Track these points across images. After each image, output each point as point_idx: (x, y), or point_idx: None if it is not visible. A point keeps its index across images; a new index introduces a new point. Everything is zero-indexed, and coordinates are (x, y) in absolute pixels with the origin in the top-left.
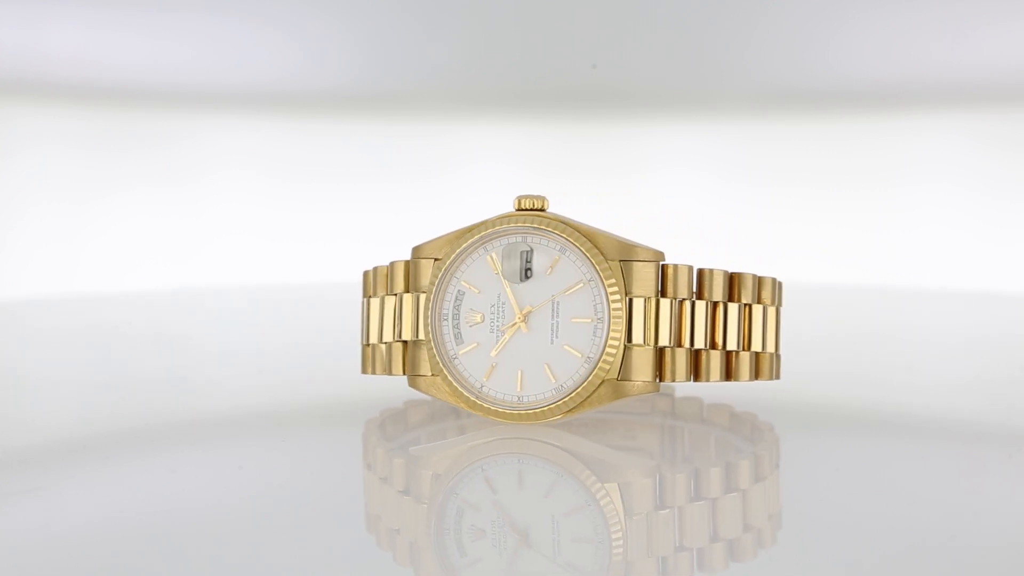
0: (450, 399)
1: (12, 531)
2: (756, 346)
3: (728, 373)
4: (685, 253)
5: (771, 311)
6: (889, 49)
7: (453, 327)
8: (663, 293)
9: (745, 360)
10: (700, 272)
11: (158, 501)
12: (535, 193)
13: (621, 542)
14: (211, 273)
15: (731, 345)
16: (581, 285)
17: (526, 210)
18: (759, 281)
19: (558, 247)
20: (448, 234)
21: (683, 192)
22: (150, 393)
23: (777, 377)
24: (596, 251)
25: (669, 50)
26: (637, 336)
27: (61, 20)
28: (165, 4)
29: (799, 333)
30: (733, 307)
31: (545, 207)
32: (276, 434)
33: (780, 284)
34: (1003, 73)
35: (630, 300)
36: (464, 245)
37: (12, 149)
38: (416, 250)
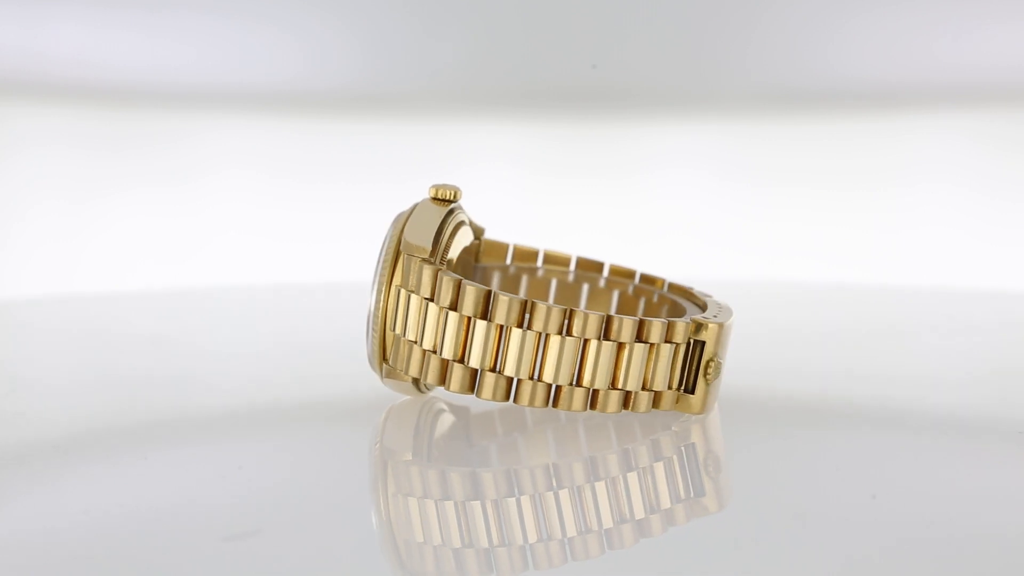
0: None
1: (12, 531)
2: (511, 371)
3: (471, 387)
4: (685, 253)
5: (555, 340)
6: (889, 49)
7: None
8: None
9: (486, 379)
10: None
11: (158, 500)
12: (452, 184)
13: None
14: (211, 273)
15: (473, 363)
16: None
17: (436, 199)
18: (530, 306)
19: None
20: None
21: (683, 192)
22: (149, 392)
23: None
24: (394, 243)
25: (669, 50)
26: (399, 327)
27: (61, 20)
28: (165, 4)
29: (799, 331)
30: (482, 325)
31: (454, 197)
32: (278, 433)
33: (595, 318)
34: (1003, 73)
35: (399, 291)
36: None
37: (12, 149)
38: None
